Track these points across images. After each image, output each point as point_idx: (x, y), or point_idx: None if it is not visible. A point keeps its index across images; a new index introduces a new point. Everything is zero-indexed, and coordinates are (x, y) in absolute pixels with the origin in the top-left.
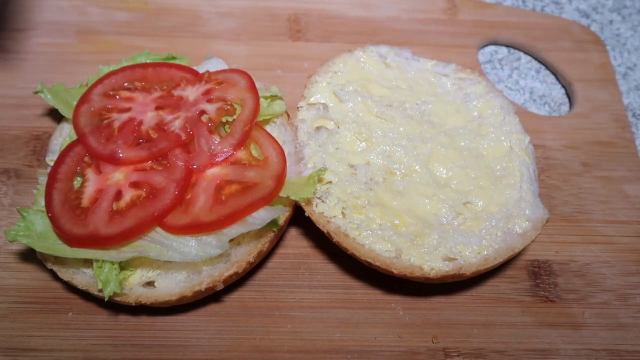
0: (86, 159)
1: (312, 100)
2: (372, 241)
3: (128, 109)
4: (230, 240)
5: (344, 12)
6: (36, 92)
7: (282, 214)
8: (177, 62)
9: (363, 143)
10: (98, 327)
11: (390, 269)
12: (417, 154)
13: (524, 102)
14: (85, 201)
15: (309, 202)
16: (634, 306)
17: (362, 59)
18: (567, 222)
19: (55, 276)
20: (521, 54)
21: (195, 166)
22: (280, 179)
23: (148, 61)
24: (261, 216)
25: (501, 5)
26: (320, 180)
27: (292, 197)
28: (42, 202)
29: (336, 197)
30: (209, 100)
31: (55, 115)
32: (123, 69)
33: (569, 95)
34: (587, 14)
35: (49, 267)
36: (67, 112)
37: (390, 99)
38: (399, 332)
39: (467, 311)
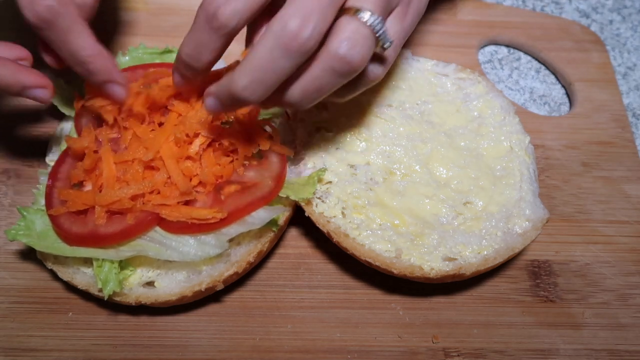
0: None
1: None
2: (372, 241)
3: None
4: (230, 240)
5: None
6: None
7: (282, 213)
8: (173, 55)
9: (363, 143)
10: (98, 327)
11: (390, 269)
12: (417, 154)
13: (524, 102)
14: None
15: (308, 202)
16: (634, 306)
17: None
18: (567, 222)
19: (55, 276)
20: (521, 54)
21: None
22: (279, 179)
23: (144, 55)
24: (261, 216)
25: (501, 5)
26: (320, 181)
27: (292, 197)
28: (42, 202)
29: (336, 197)
30: None
31: (55, 115)
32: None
33: (569, 95)
34: (587, 14)
35: (49, 267)
36: (66, 109)
37: (390, 99)
38: (399, 332)
39: (467, 311)
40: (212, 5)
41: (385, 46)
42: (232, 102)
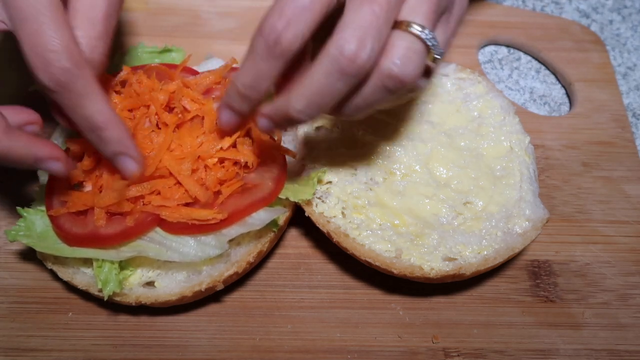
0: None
1: None
2: (372, 241)
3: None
4: (230, 241)
5: None
6: (34, 89)
7: (282, 214)
8: (173, 54)
9: None
10: (98, 327)
11: (390, 269)
12: (417, 154)
13: (524, 102)
14: None
15: (308, 202)
16: (634, 306)
17: None
18: (567, 222)
19: (55, 276)
20: (521, 54)
21: None
22: (280, 180)
23: (144, 55)
24: (261, 217)
25: (501, 5)
26: (320, 182)
27: (292, 199)
28: (43, 202)
29: (336, 197)
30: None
31: None
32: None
33: (569, 95)
34: (587, 14)
35: (49, 267)
36: None
37: None
38: (399, 332)
39: (467, 311)
40: (273, 32)
41: (436, 58)
42: (287, 123)
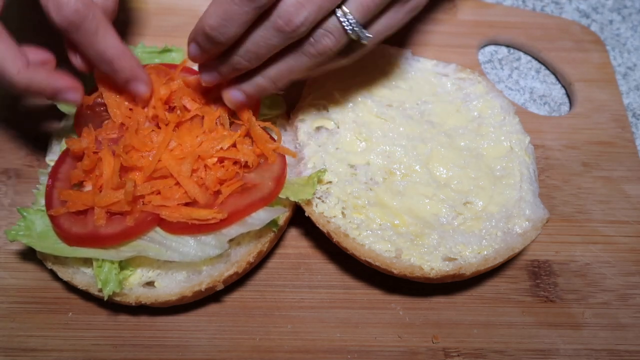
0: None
1: (312, 100)
2: (372, 241)
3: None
4: (230, 241)
5: None
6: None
7: (282, 214)
8: (173, 54)
9: (363, 143)
10: (98, 327)
11: (390, 269)
12: (417, 154)
13: (524, 102)
14: None
15: (308, 202)
16: (634, 306)
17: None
18: (567, 222)
19: (55, 276)
20: (521, 54)
21: None
22: (280, 180)
23: (144, 55)
24: (261, 217)
25: (501, 5)
26: (320, 181)
27: (292, 199)
28: (43, 202)
29: (336, 197)
30: None
31: (55, 115)
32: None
33: (569, 95)
34: (587, 14)
35: (49, 267)
36: (66, 109)
37: (390, 99)
38: (399, 332)
39: (467, 311)
40: None
41: (354, 40)
42: (231, 70)
